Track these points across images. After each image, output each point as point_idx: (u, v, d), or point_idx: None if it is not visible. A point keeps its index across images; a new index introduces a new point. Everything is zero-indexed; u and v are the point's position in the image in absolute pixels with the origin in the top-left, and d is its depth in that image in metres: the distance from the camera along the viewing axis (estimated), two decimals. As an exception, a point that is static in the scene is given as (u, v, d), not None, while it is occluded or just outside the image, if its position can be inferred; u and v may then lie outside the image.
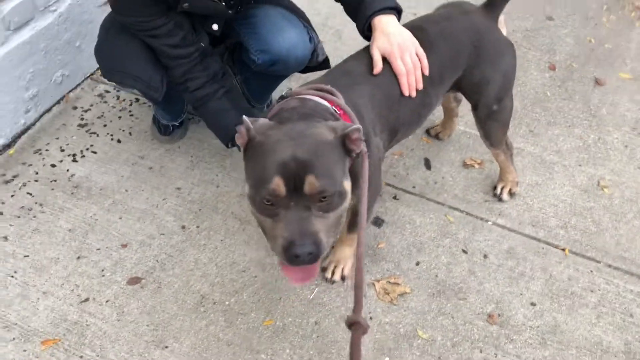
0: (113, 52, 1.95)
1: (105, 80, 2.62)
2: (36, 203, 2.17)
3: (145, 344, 1.80)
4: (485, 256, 2.05)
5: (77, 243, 2.05)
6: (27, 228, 2.09)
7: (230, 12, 1.89)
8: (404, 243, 2.08)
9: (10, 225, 2.10)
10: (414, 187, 2.27)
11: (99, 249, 2.04)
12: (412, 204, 2.21)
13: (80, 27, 2.51)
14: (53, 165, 2.30)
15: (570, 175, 2.33)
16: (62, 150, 2.36)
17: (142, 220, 2.13)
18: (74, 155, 2.34)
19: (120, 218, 2.14)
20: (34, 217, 2.13)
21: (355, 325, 1.15)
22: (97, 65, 2.63)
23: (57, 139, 2.40)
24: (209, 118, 2.01)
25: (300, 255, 1.22)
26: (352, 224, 1.83)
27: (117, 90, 2.60)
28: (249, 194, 1.32)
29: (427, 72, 1.72)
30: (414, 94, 1.70)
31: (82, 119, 2.49)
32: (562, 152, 2.43)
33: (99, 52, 2.00)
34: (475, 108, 1.96)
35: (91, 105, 2.55)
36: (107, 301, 1.91)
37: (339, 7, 1.91)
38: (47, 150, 2.36)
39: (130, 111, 2.53)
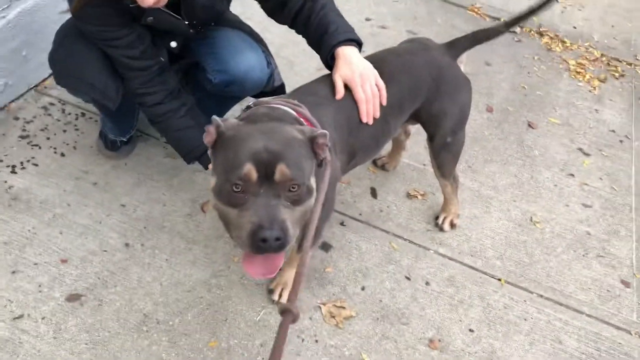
0: (69, 58, 1.92)
1: (50, 93, 2.57)
2: (-31, 214, 2.07)
3: (83, 363, 1.73)
4: (427, 283, 2.12)
5: (13, 257, 1.96)
6: (-42, 239, 1.98)
7: (191, 31, 1.91)
8: (350, 268, 2.12)
9: (-61, 235, 1.99)
10: (360, 214, 2.33)
11: (36, 264, 1.95)
12: (358, 230, 2.27)
13: (28, 36, 2.44)
14: (-10, 176, 2.20)
15: (505, 209, 2.47)
16: (1, 161, 2.26)
17: (84, 236, 2.06)
18: (13, 166, 2.25)
19: (61, 233, 2.06)
20: (-34, 228, 2.02)
21: (286, 312, 1.13)
22: (43, 77, 2.61)
23: (-4, 148, 2.31)
24: (172, 134, 2.01)
25: (268, 239, 1.23)
26: (301, 244, 1.86)
27: (62, 104, 2.53)
28: (216, 185, 1.34)
29: (384, 102, 1.80)
30: (371, 121, 1.78)
31: (24, 130, 2.40)
32: (498, 187, 2.57)
33: (54, 57, 1.96)
34: (431, 139, 2.06)
35: (34, 117, 2.46)
36: (43, 318, 1.82)
37: (291, 37, 1.97)
38: (-17, 159, 2.26)
39: (75, 125, 2.47)
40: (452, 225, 2.32)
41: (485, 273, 2.20)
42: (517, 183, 2.61)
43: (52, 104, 2.54)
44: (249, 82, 2.02)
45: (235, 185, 1.27)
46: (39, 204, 2.14)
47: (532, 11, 1.99)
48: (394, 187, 2.48)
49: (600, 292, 2.20)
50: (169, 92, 1.94)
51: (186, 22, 1.86)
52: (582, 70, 3.48)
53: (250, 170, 1.26)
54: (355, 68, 1.76)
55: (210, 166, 1.50)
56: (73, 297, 1.89)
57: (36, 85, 2.58)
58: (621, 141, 2.98)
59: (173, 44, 1.97)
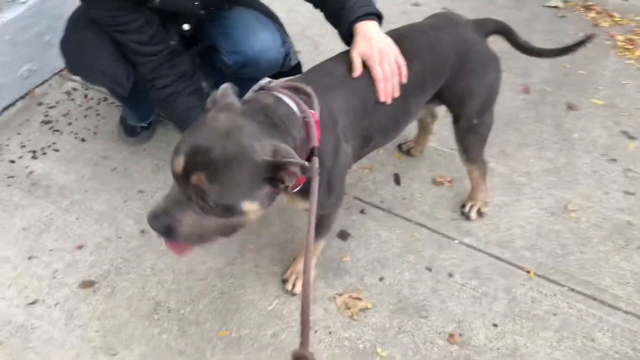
0: (79, 46, 1.90)
1: (74, 78, 2.57)
2: (-10, 199, 2.10)
3: (93, 350, 1.73)
4: (449, 275, 2.02)
5: (30, 242, 1.98)
6: (-22, 224, 2.02)
7: (202, 12, 1.85)
8: (369, 258, 2.05)
9: (-39, 220, 2.02)
10: (382, 202, 2.24)
11: (52, 250, 1.97)
12: (379, 218, 2.18)
13: (50, 21, 2.45)
14: (12, 161, 2.23)
15: (538, 197, 2.32)
16: (23, 147, 2.28)
17: (100, 222, 2.06)
18: (34, 152, 2.27)
19: (78, 219, 2.06)
20: (-13, 213, 2.05)
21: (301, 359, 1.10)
22: (66, 62, 2.60)
23: (19, 134, 2.33)
24: (176, 116, 1.97)
25: (150, 226, 1.25)
26: (317, 232, 1.80)
27: (85, 89, 2.54)
28: None
29: (404, 81, 1.69)
30: (389, 101, 1.67)
31: (46, 115, 2.42)
32: (531, 174, 2.42)
33: (65, 45, 1.94)
34: (456, 120, 1.95)
35: (57, 103, 2.48)
36: (56, 304, 1.83)
37: (317, 18, 1.88)
38: (7, 145, 2.28)
39: (97, 110, 2.47)
40: (480, 214, 2.20)
41: (513, 264, 2.07)
42: (553, 169, 2.46)
43: (75, 89, 2.55)
44: (263, 63, 1.95)
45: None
46: (57, 189, 2.15)
47: None
48: (419, 173, 2.37)
49: (640, 287, 2.04)
50: (180, 76, 1.90)
51: (196, 3, 1.80)
52: (631, 47, 3.24)
53: (178, 162, 1.21)
54: (374, 44, 1.65)
55: None
56: (86, 284, 1.89)
57: (60, 71, 2.59)
58: (671, 123, 2.76)
59: (186, 27, 1.92)
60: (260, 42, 1.92)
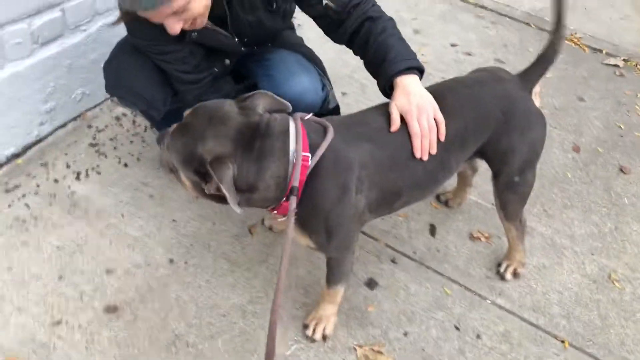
0: (120, 68, 1.98)
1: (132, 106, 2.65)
2: (31, 216, 2.15)
3: (109, 377, 1.73)
4: (478, 336, 1.94)
5: (62, 262, 2.02)
6: (16, 240, 2.07)
7: (243, 49, 1.89)
8: (395, 310, 1.99)
9: (1, 235, 2.08)
10: (414, 252, 2.19)
11: (82, 271, 2.00)
12: (410, 270, 2.12)
13: (108, 49, 2.51)
14: (56, 181, 2.29)
15: (580, 262, 2.22)
16: (68, 167, 2.35)
17: (131, 248, 2.09)
18: (78, 173, 2.33)
19: (111, 243, 2.10)
20: (26, 229, 2.11)
21: None
22: (120, 88, 2.69)
23: (66, 154, 2.41)
24: None
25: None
26: (330, 277, 1.79)
27: (134, 115, 2.61)
28: None
29: (442, 138, 1.67)
30: (425, 157, 1.64)
31: (94, 138, 2.49)
32: (575, 237, 2.32)
33: (108, 66, 2.03)
34: (496, 176, 1.90)
35: (106, 126, 2.55)
36: (79, 326, 1.85)
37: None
38: (53, 164, 2.36)
39: (142, 137, 2.53)
40: (515, 275, 2.12)
41: (547, 332, 1.97)
42: (598, 234, 2.34)
43: (125, 114, 2.62)
44: (302, 105, 1.96)
45: None
46: (95, 212, 2.20)
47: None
48: (455, 226, 2.31)
49: (685, 371, 1.90)
50: (224, 97, 1.94)
51: (236, 40, 1.84)
52: (692, 112, 3.11)
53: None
54: (412, 99, 1.64)
55: None
56: (110, 309, 1.90)
57: (112, 96, 2.68)
58: None
59: (227, 62, 1.96)
60: (300, 85, 1.93)
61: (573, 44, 3.56)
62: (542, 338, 1.95)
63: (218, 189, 1.40)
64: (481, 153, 1.85)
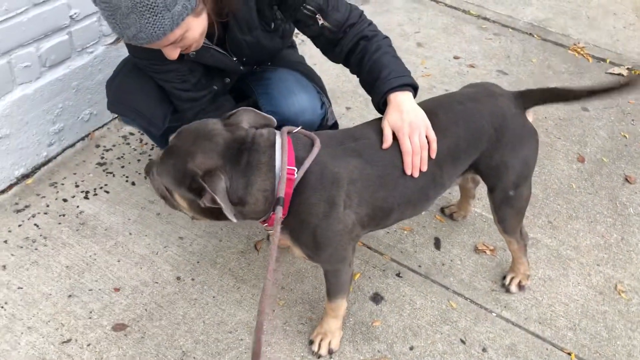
0: (121, 85, 2.02)
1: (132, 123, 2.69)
2: (41, 235, 2.19)
3: (117, 395, 1.75)
4: (484, 349, 1.94)
5: (72, 281, 2.05)
6: (26, 259, 2.11)
7: (242, 68, 1.92)
8: (401, 324, 1.99)
9: (12, 255, 2.12)
10: (419, 266, 2.20)
11: (91, 290, 2.03)
12: (415, 283, 2.13)
13: (114, 69, 2.59)
14: (65, 200, 2.33)
15: (586, 274, 2.22)
16: (77, 186, 2.39)
17: (139, 266, 2.12)
18: (86, 192, 2.37)
19: (119, 261, 2.13)
20: (36, 249, 2.14)
21: None
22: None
23: (75, 174, 2.45)
24: None
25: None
26: (328, 290, 1.80)
27: (141, 134, 2.65)
28: None
29: (433, 155, 1.69)
30: (416, 174, 1.66)
31: (102, 157, 2.53)
32: (580, 248, 2.32)
33: (110, 84, 2.08)
34: (491, 191, 1.91)
35: (113, 146, 2.60)
36: (88, 345, 1.87)
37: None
38: (62, 184, 2.40)
39: (150, 155, 2.56)
40: (520, 287, 2.12)
41: (553, 344, 1.97)
42: (604, 244, 2.34)
43: (132, 133, 2.66)
44: (300, 123, 1.99)
45: None
46: (103, 230, 2.23)
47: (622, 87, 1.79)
48: (460, 239, 2.32)
49: (694, 382, 1.89)
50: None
51: (235, 59, 1.87)
52: (698, 119, 3.09)
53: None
54: (405, 116, 1.66)
55: None
56: (119, 327, 1.93)
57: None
58: None
59: (227, 80, 2.00)
60: (298, 104, 1.97)
61: (576, 54, 3.57)
62: (549, 350, 1.95)
63: (213, 200, 1.43)
64: (475, 168, 1.86)
